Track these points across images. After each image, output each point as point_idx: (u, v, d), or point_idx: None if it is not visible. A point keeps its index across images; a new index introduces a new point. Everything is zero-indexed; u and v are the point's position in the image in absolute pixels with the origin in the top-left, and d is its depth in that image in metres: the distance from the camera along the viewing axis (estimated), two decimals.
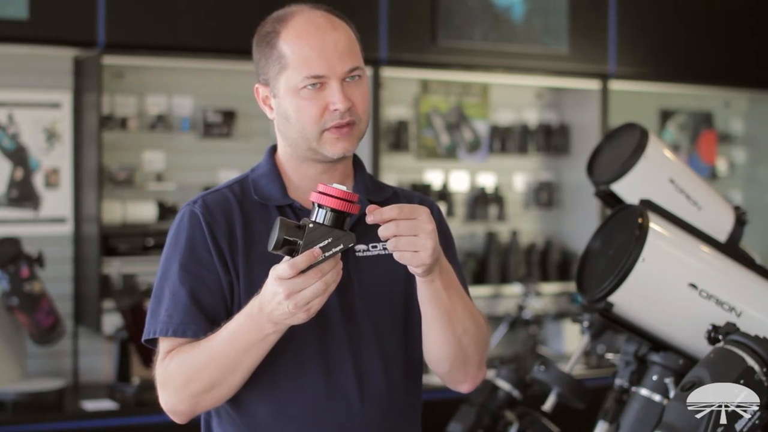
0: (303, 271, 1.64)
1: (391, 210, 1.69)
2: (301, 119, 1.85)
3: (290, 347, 1.82)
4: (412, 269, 1.74)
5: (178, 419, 1.86)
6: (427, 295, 1.79)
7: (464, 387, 1.95)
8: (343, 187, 1.66)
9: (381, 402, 1.88)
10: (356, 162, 2.00)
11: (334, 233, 1.66)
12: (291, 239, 1.65)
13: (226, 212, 1.89)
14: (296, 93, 1.84)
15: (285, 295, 1.65)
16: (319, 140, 1.86)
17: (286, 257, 1.67)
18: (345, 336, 1.87)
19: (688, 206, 2.55)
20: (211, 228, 1.86)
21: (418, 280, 1.78)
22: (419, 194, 2.05)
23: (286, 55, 1.84)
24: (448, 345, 1.85)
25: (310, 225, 1.65)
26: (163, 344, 1.85)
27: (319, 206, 1.67)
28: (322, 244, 1.65)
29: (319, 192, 1.67)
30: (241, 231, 1.88)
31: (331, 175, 1.93)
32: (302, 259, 1.64)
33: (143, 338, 1.88)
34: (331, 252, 1.66)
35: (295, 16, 1.87)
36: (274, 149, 1.98)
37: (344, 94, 1.83)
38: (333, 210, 1.66)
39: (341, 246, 1.66)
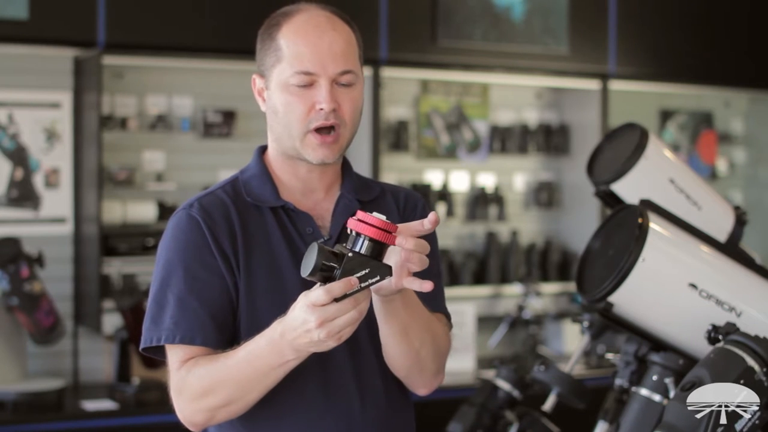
0: (336, 299, 1.60)
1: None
2: (288, 115, 1.86)
3: None
4: None
5: (192, 428, 1.86)
6: (383, 311, 1.78)
7: (421, 391, 1.95)
8: (383, 217, 1.62)
9: (379, 401, 1.89)
10: (344, 162, 2.00)
11: (372, 264, 1.61)
12: (328, 265, 1.60)
13: (224, 214, 1.89)
14: (286, 88, 1.85)
15: (317, 323, 1.61)
16: (302, 141, 1.86)
17: (318, 283, 1.62)
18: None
19: (688, 206, 2.55)
20: (212, 231, 1.86)
21: (373, 296, 1.75)
22: (405, 189, 2.06)
23: (282, 48, 1.86)
24: (405, 357, 1.85)
25: (350, 255, 1.60)
26: (175, 352, 1.83)
27: (357, 234, 1.62)
28: (359, 274, 1.60)
29: (357, 219, 1.62)
30: (240, 232, 1.88)
31: (320, 175, 1.93)
32: (339, 286, 1.59)
33: (141, 346, 1.86)
34: (367, 283, 1.61)
35: (300, 12, 1.88)
36: (262, 150, 1.98)
37: (331, 95, 1.83)
38: (371, 239, 1.61)
39: (378, 278, 1.61)
